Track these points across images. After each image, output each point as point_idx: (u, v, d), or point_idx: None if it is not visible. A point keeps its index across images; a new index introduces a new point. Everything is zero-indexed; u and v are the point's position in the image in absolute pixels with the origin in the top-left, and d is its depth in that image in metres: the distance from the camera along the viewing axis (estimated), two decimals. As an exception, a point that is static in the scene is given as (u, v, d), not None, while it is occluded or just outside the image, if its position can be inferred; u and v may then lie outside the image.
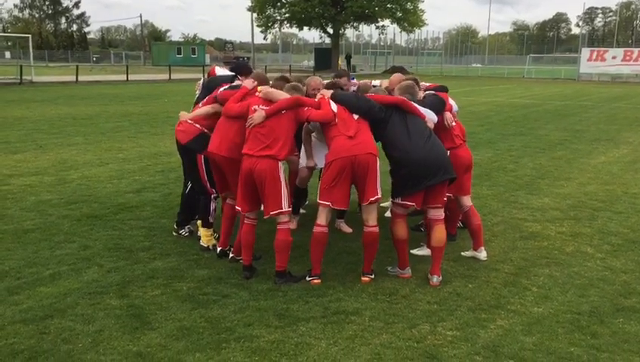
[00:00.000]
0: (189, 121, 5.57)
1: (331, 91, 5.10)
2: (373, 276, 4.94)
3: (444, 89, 5.80)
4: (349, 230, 6.24)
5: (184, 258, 5.35)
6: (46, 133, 13.04)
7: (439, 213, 5.01)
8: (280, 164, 4.78)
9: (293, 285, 4.74)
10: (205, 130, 5.44)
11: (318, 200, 4.87)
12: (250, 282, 4.82)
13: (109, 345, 3.77)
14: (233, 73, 5.98)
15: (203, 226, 5.67)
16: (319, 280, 4.83)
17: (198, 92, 6.21)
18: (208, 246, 5.58)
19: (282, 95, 4.90)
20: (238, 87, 5.39)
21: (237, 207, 5.00)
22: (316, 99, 5.09)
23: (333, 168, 4.72)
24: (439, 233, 4.95)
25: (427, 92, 5.61)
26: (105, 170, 9.17)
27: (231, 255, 5.32)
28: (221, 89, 5.56)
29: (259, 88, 5.05)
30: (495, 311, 4.38)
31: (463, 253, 5.58)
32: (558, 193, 8.20)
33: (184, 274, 4.97)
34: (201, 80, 6.35)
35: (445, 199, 5.09)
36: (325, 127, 4.93)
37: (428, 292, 4.69)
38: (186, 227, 6.02)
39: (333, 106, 4.91)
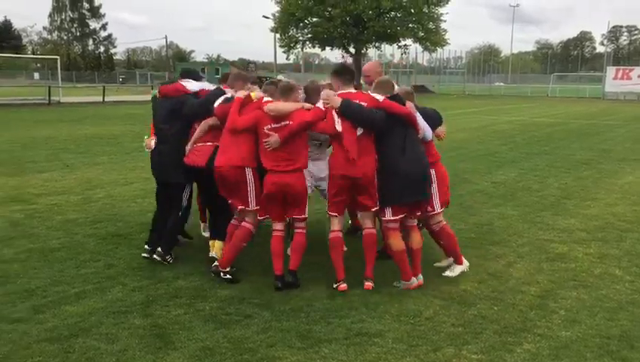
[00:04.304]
0: (198, 145, 5.53)
1: (340, 100, 4.90)
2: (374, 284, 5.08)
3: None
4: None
5: (207, 277, 5.36)
6: (73, 152, 13.27)
7: (412, 221, 5.29)
8: (304, 171, 5.08)
9: (314, 305, 4.73)
10: (217, 144, 5.34)
11: (327, 211, 5.20)
12: (273, 302, 4.80)
13: (133, 364, 3.78)
14: (197, 85, 5.79)
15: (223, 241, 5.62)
16: (345, 285, 5.01)
17: (153, 144, 5.78)
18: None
19: (288, 107, 4.97)
20: (231, 98, 5.31)
21: (259, 217, 5.21)
22: (322, 107, 5.00)
23: (333, 183, 5.06)
24: (416, 236, 5.26)
25: (424, 107, 5.57)
26: (129, 189, 9.28)
27: (215, 263, 5.41)
28: (215, 104, 5.38)
29: (266, 108, 4.99)
30: (521, 335, 4.29)
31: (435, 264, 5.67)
32: (585, 214, 8.06)
33: (207, 294, 4.98)
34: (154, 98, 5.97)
35: (419, 213, 5.29)
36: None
37: (452, 315, 4.63)
38: (175, 246, 5.91)
39: (338, 126, 4.91)
